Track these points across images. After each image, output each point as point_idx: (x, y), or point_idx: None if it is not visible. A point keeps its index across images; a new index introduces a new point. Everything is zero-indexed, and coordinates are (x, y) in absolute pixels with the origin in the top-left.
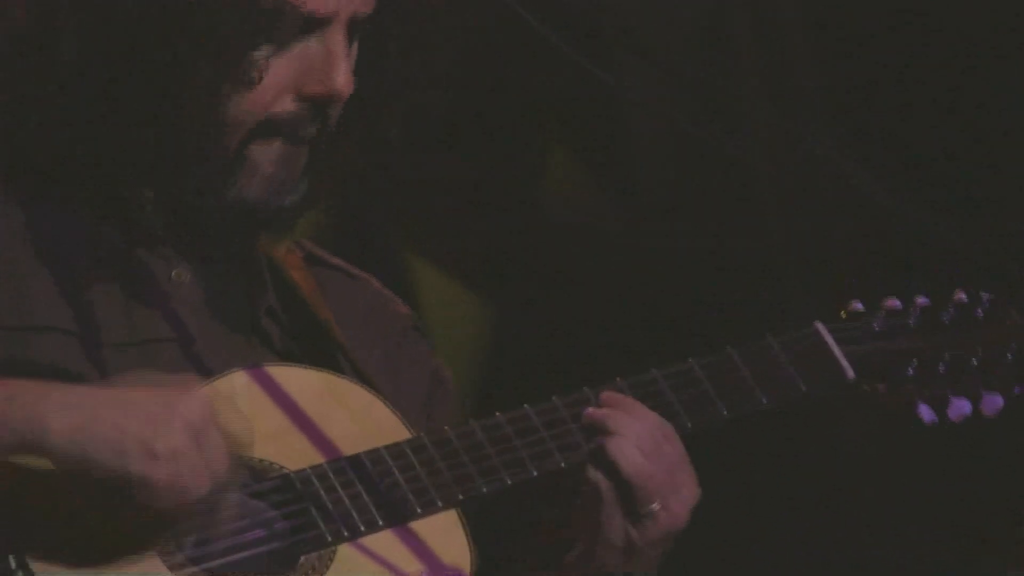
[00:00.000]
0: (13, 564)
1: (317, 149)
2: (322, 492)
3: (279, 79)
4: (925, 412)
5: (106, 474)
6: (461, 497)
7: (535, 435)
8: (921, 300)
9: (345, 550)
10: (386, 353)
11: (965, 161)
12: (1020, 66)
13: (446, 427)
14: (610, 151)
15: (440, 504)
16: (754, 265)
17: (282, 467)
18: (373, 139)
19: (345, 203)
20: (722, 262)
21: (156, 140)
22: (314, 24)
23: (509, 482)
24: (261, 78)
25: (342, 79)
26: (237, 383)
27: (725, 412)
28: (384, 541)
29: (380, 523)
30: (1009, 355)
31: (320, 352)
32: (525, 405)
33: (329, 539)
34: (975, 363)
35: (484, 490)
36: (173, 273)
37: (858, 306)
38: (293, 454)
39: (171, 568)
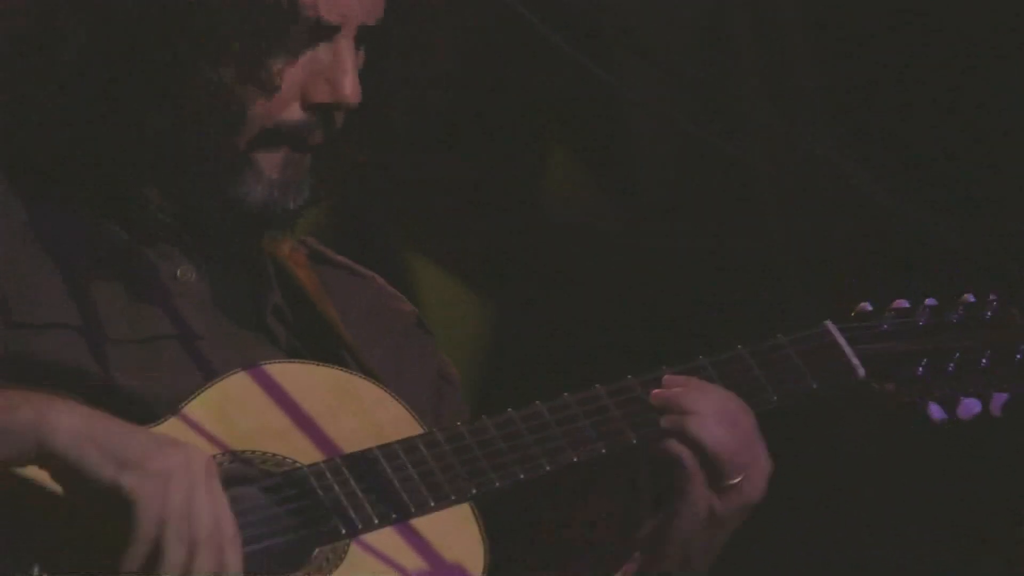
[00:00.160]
0: (36, 571)
1: (321, 151)
2: (335, 486)
3: (289, 85)
4: (935, 411)
5: (98, 480)
6: (474, 491)
7: (547, 431)
8: (929, 301)
9: (357, 546)
10: (391, 351)
11: (965, 161)
12: (1020, 66)
13: (459, 423)
14: (610, 151)
15: (453, 498)
16: (754, 265)
17: (294, 461)
18: (373, 139)
19: (345, 203)
20: (722, 262)
21: (159, 141)
22: (324, 32)
23: (522, 476)
24: (279, 86)
25: (350, 87)
26: (238, 384)
27: None
28: (395, 539)
29: (393, 516)
30: (1018, 355)
31: (326, 350)
32: (537, 402)
33: (343, 532)
34: (984, 363)
35: (497, 484)
36: (178, 271)
37: (867, 307)
38: (303, 450)
39: None
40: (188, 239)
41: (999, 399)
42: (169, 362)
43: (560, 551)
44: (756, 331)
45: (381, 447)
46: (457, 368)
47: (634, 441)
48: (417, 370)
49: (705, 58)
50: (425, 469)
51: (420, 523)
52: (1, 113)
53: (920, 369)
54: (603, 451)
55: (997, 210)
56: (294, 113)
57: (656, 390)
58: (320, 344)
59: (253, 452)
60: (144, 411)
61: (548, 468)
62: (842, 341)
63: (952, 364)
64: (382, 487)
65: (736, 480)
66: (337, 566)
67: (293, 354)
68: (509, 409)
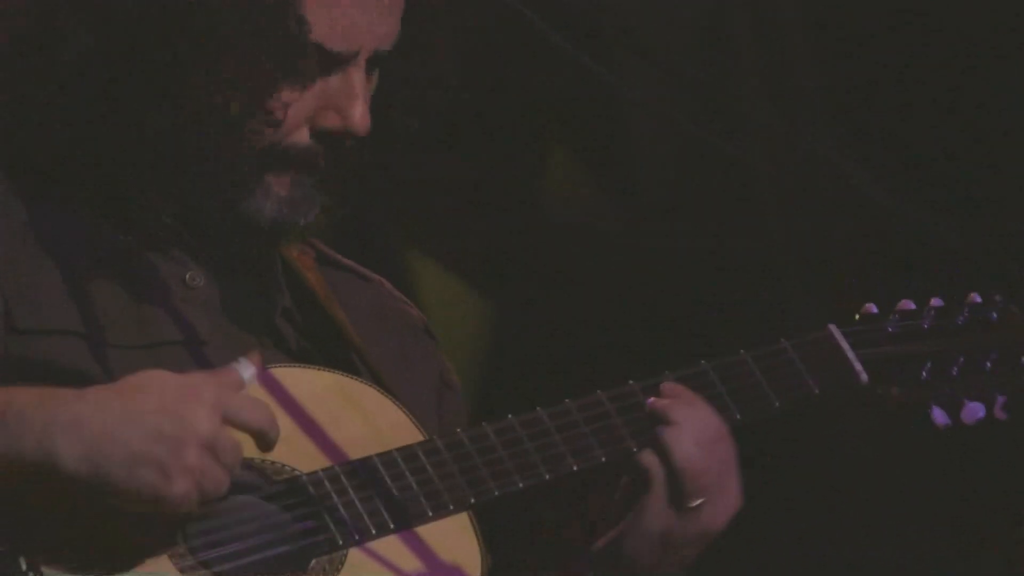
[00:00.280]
0: (24, 566)
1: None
2: (334, 494)
3: (297, 112)
4: (939, 415)
5: (120, 494)
6: (473, 501)
7: (547, 438)
8: (935, 302)
9: (355, 554)
10: (397, 354)
11: (965, 161)
12: (1020, 66)
13: (458, 430)
14: (610, 151)
15: (452, 508)
16: (754, 265)
17: (293, 469)
18: (374, 139)
19: (345, 203)
20: (722, 262)
21: (159, 142)
22: (335, 62)
23: (521, 485)
24: (289, 116)
25: (359, 117)
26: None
27: (738, 416)
28: (394, 546)
29: (392, 526)
30: (1023, 358)
31: (335, 353)
32: (538, 408)
33: (340, 542)
34: (988, 366)
35: (496, 493)
36: (187, 276)
37: (872, 309)
38: (304, 456)
39: (182, 571)
40: (197, 245)
41: (1001, 401)
42: (172, 368)
43: (560, 551)
44: (756, 331)
45: (380, 455)
46: (457, 368)
47: (635, 449)
48: (421, 374)
49: (705, 58)
50: (424, 478)
51: (418, 528)
52: (1, 113)
53: (924, 373)
54: (603, 459)
55: (997, 210)
56: (302, 138)
57: (651, 399)
58: (329, 346)
59: (253, 459)
60: None
61: (547, 477)
62: (845, 345)
63: (956, 367)
64: (380, 497)
65: (697, 503)
66: None
67: (302, 357)
68: (509, 415)
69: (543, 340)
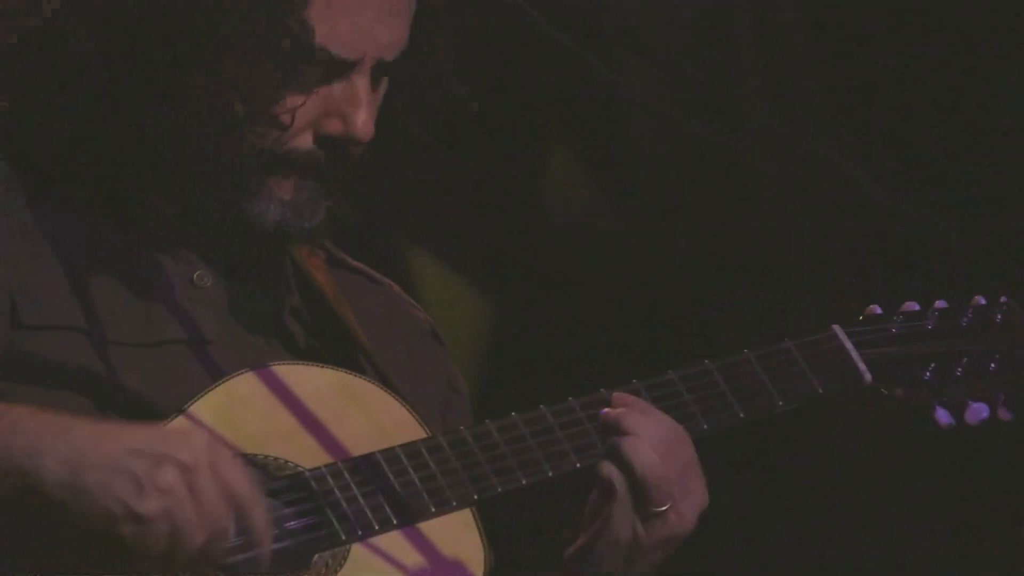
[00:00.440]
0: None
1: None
2: (336, 490)
3: (301, 118)
4: (942, 415)
5: (95, 504)
6: (476, 497)
7: (550, 435)
8: (939, 304)
9: (358, 550)
10: (405, 356)
11: (965, 161)
12: (1020, 66)
13: (461, 427)
14: (610, 151)
15: (455, 504)
16: (754, 265)
17: (296, 465)
18: (375, 140)
19: (345, 203)
20: (722, 262)
21: (159, 143)
22: (338, 68)
23: (524, 482)
24: (292, 121)
25: (361, 122)
26: (245, 384)
27: (742, 414)
28: (397, 542)
29: (394, 522)
30: None
31: (342, 352)
32: (541, 405)
33: (343, 538)
34: (993, 367)
35: (499, 490)
36: (195, 275)
37: (876, 310)
38: (307, 453)
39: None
40: (205, 245)
41: (1005, 401)
42: (177, 366)
43: (560, 551)
44: (756, 331)
45: (383, 451)
46: (459, 369)
47: (578, 465)
48: (428, 378)
49: (705, 58)
50: (427, 474)
51: (421, 524)
52: (2, 113)
53: (928, 373)
54: (604, 456)
55: (997, 210)
56: (305, 143)
57: (605, 409)
58: (337, 347)
59: (256, 455)
60: (150, 415)
61: (551, 474)
62: (849, 346)
63: (960, 368)
64: (384, 492)
65: (662, 509)
66: (336, 572)
67: (311, 355)
68: (513, 413)
69: (544, 340)
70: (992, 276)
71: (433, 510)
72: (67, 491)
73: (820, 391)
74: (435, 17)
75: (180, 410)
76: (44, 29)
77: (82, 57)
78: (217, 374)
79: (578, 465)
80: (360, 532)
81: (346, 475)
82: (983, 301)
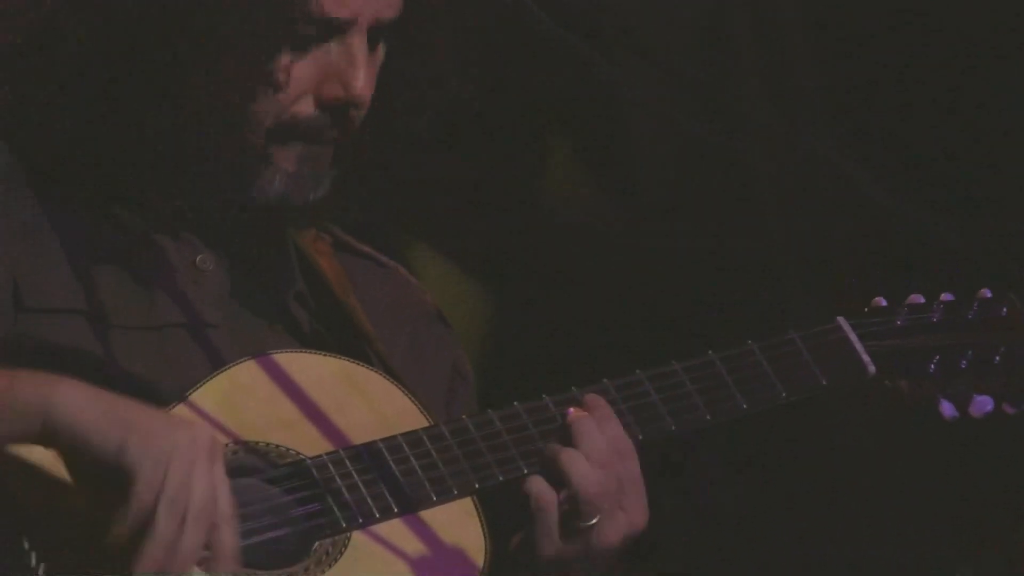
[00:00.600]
0: (27, 544)
1: (343, 147)
2: (337, 478)
3: (299, 82)
4: (947, 408)
5: (103, 450)
6: (477, 486)
7: (551, 425)
8: (945, 296)
9: (359, 537)
10: (410, 341)
11: (965, 161)
12: (1020, 66)
13: (464, 416)
14: (610, 151)
15: (456, 492)
16: (754, 265)
17: (298, 453)
18: (375, 139)
19: (345, 203)
20: (722, 262)
21: (160, 141)
22: (334, 28)
23: (526, 471)
24: (287, 82)
25: (360, 83)
26: (246, 371)
27: (745, 405)
28: (398, 530)
29: (395, 510)
30: None
31: (346, 340)
32: (543, 395)
33: (344, 525)
34: (997, 360)
35: (501, 479)
36: (198, 259)
37: (881, 302)
38: (309, 441)
39: None
40: (208, 230)
41: (1009, 395)
42: (178, 350)
43: None
44: (756, 330)
45: (385, 440)
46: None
47: (640, 437)
48: (433, 363)
49: (705, 58)
50: (428, 463)
51: (422, 513)
52: (2, 112)
53: (932, 366)
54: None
55: (997, 210)
56: (307, 108)
57: (571, 409)
58: (340, 333)
59: (257, 443)
60: (150, 398)
61: None
62: (853, 337)
63: (965, 361)
64: (385, 480)
65: (590, 523)
66: (337, 559)
67: (316, 341)
68: (516, 403)
69: (543, 339)
70: (992, 276)
71: (434, 498)
72: (73, 436)
73: (824, 383)
74: (435, 16)
75: (182, 398)
76: (44, 29)
77: (82, 56)
78: (219, 358)
79: None
80: (361, 520)
81: (347, 463)
82: (988, 294)
